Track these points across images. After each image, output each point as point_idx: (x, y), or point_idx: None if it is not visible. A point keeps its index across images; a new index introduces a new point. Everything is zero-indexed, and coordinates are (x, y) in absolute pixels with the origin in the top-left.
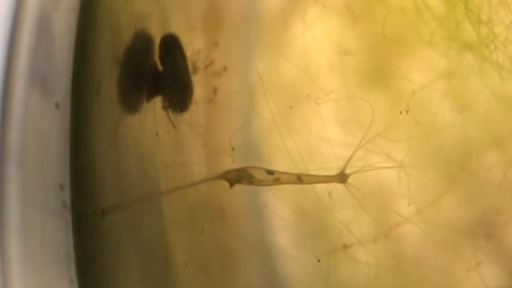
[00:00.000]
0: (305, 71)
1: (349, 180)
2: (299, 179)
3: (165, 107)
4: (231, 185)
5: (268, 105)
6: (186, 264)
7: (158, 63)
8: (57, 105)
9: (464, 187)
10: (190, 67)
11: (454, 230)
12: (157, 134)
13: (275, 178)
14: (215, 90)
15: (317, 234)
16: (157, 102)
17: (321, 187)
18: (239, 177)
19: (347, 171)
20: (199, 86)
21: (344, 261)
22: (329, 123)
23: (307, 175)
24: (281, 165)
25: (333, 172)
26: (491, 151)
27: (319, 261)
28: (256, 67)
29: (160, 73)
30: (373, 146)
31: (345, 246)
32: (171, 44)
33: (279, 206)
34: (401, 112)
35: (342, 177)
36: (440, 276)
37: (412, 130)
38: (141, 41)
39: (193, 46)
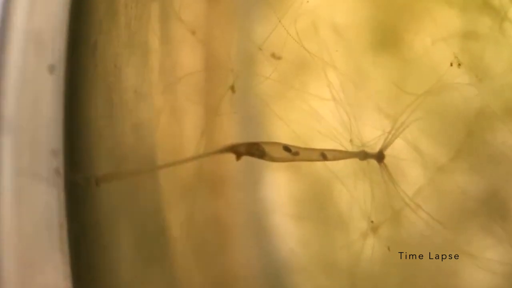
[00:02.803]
0: (311, 33)
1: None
2: (323, 155)
3: None
4: (238, 157)
5: (270, 72)
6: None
7: None
8: (51, 69)
9: (474, 155)
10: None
11: (462, 202)
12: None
13: (293, 154)
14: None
15: (319, 210)
16: (154, 67)
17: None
18: (249, 152)
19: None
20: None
21: (348, 238)
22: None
23: (333, 150)
24: (282, 137)
25: (342, 146)
26: (504, 120)
27: (320, 237)
28: (256, 34)
29: None
30: (387, 116)
31: (349, 223)
32: None
33: (280, 181)
34: (412, 76)
35: (379, 156)
36: (448, 260)
37: (424, 96)
38: None
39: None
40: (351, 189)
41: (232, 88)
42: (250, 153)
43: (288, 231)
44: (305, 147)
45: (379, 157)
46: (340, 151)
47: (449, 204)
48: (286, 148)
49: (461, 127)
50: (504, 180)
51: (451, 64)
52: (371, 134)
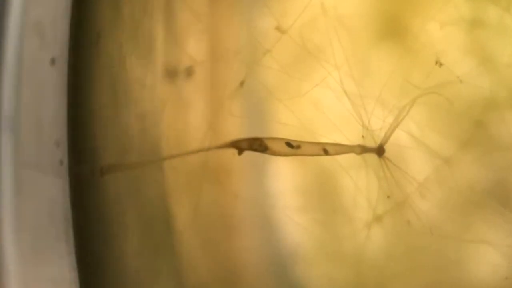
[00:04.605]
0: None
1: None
2: (324, 150)
3: None
4: (240, 153)
5: (271, 67)
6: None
7: None
8: (52, 61)
9: (481, 146)
10: None
11: (469, 193)
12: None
13: (295, 148)
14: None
15: (324, 201)
16: (158, 58)
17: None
18: (251, 147)
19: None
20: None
21: (352, 228)
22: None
23: (335, 144)
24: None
25: (350, 139)
26: (509, 110)
27: (325, 227)
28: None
29: None
30: (387, 107)
31: (354, 213)
32: None
33: (285, 172)
34: (415, 67)
35: (379, 150)
36: (453, 249)
37: (429, 87)
38: None
39: None
40: (356, 180)
41: (242, 83)
42: (252, 149)
43: (293, 221)
44: (307, 141)
45: (379, 151)
46: (342, 145)
47: (455, 194)
48: (288, 143)
49: (468, 118)
50: (509, 171)
51: (436, 63)
52: (376, 126)
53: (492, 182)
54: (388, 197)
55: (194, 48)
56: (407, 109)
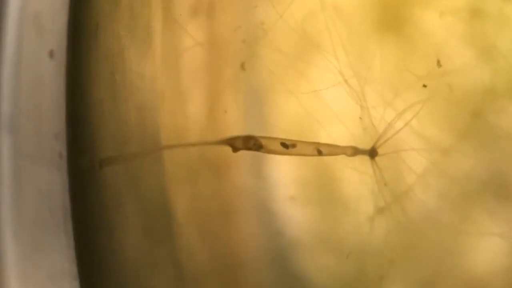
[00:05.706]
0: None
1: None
2: (318, 151)
3: None
4: (234, 151)
5: (271, 57)
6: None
7: None
8: (51, 54)
9: (479, 137)
10: None
11: (467, 183)
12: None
13: (290, 147)
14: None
15: (325, 192)
16: (157, 49)
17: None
18: (246, 146)
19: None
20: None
21: (352, 220)
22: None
23: (329, 145)
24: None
25: (349, 127)
26: (509, 100)
27: (325, 218)
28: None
29: None
30: (385, 100)
31: (354, 205)
32: None
33: (285, 162)
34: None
35: (372, 152)
36: (453, 240)
37: (428, 78)
38: None
39: None
40: (356, 170)
41: (243, 66)
42: (247, 147)
43: (293, 213)
44: (302, 141)
45: (372, 153)
46: (336, 146)
47: (454, 185)
48: (283, 143)
49: (467, 108)
50: (511, 161)
51: (435, 53)
52: (375, 119)
53: (491, 172)
54: (386, 185)
55: (194, 35)
56: (407, 98)
